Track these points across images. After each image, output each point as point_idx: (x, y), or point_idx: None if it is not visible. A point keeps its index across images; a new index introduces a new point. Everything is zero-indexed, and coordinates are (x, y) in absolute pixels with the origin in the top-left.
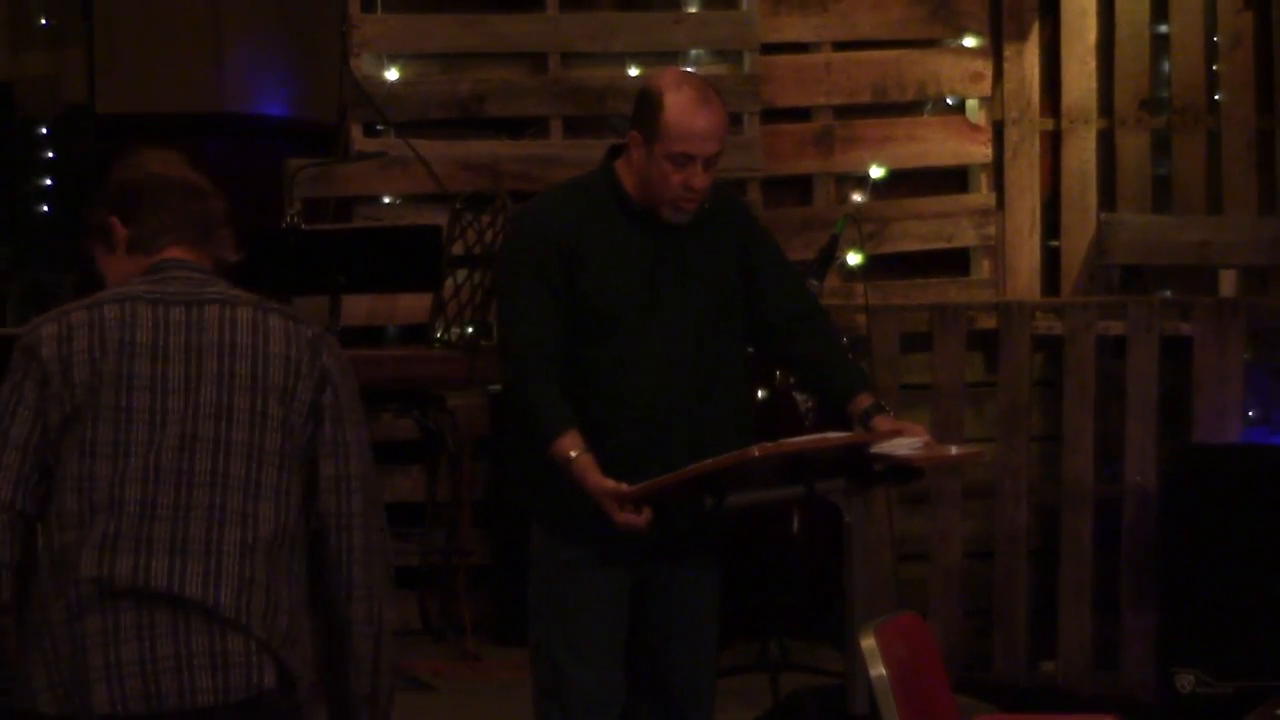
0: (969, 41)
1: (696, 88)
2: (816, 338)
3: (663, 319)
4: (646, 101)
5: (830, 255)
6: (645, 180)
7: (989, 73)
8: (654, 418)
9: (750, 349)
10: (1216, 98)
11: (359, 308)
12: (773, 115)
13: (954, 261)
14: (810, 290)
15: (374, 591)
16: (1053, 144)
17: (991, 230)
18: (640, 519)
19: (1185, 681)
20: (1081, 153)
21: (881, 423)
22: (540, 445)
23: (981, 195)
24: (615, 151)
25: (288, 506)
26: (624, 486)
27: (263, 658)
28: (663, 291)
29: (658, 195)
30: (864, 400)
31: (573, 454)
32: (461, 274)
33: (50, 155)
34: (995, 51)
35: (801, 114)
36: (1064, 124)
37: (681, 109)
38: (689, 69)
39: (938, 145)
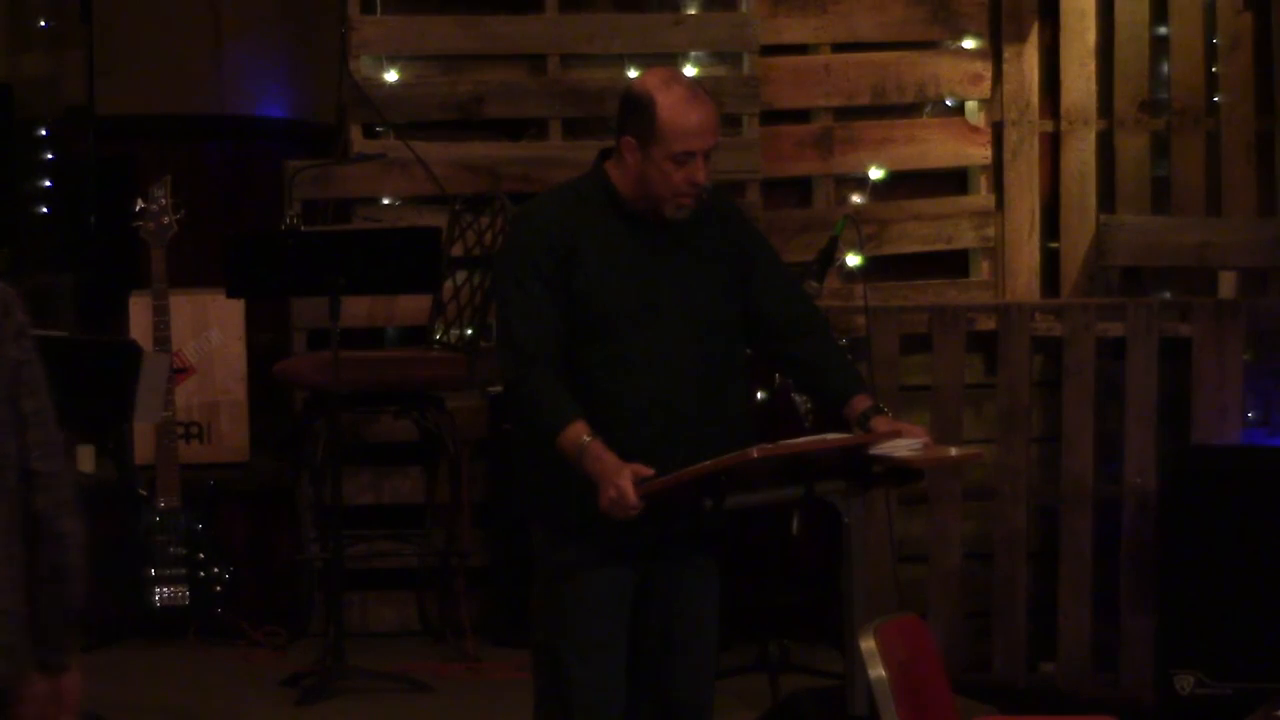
0: (968, 43)
1: (684, 84)
2: (815, 341)
3: (660, 319)
4: (637, 106)
5: (830, 257)
6: (644, 182)
7: (988, 74)
8: (653, 418)
9: (748, 349)
10: (1216, 99)
11: (358, 309)
12: (772, 117)
13: (953, 263)
14: (807, 293)
15: (74, 507)
16: (1052, 145)
17: (991, 232)
18: (637, 507)
19: (1185, 683)
20: (1081, 154)
21: (880, 424)
22: (547, 438)
23: (981, 197)
24: (605, 153)
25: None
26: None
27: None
28: (660, 292)
29: (659, 195)
30: (862, 402)
31: (585, 439)
32: (461, 275)
33: (50, 156)
34: (995, 53)
35: (801, 116)
36: (1063, 125)
37: (675, 108)
38: (670, 66)
39: (937, 147)
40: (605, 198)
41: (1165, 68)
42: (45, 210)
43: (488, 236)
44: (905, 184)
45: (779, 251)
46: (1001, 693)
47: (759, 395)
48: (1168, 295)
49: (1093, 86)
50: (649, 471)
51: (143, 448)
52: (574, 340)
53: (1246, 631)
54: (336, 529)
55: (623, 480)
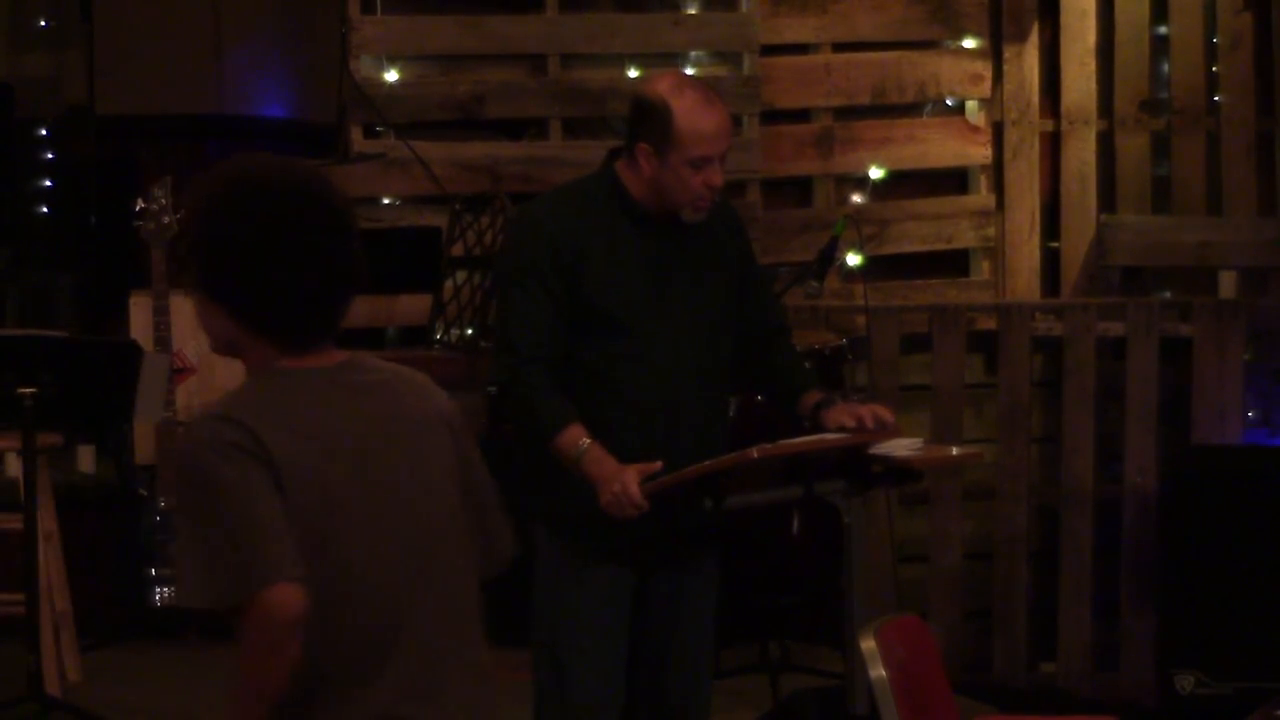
0: (968, 43)
1: (698, 89)
2: (785, 351)
3: (667, 321)
4: (651, 112)
5: (830, 256)
6: (660, 188)
7: (989, 74)
8: (659, 416)
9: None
10: (1216, 99)
11: (358, 309)
12: (772, 117)
13: (954, 263)
14: (782, 303)
15: None
16: (1052, 145)
17: (991, 231)
18: (644, 504)
19: (1185, 683)
20: (1081, 154)
21: (830, 415)
22: (543, 440)
23: (981, 196)
24: (614, 153)
25: None
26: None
27: None
28: (667, 294)
29: (676, 199)
30: (812, 396)
31: (584, 442)
32: (461, 275)
33: (50, 156)
34: (995, 53)
35: (801, 115)
36: (1064, 125)
37: (691, 114)
38: (678, 69)
39: (937, 146)
40: (615, 199)
41: (1165, 68)
42: (45, 210)
43: (488, 236)
44: (905, 184)
45: (779, 252)
46: (1001, 692)
47: (759, 397)
48: (1168, 295)
49: (1093, 86)
50: (656, 467)
51: (143, 448)
52: (580, 340)
53: (1246, 631)
54: None
55: (627, 477)
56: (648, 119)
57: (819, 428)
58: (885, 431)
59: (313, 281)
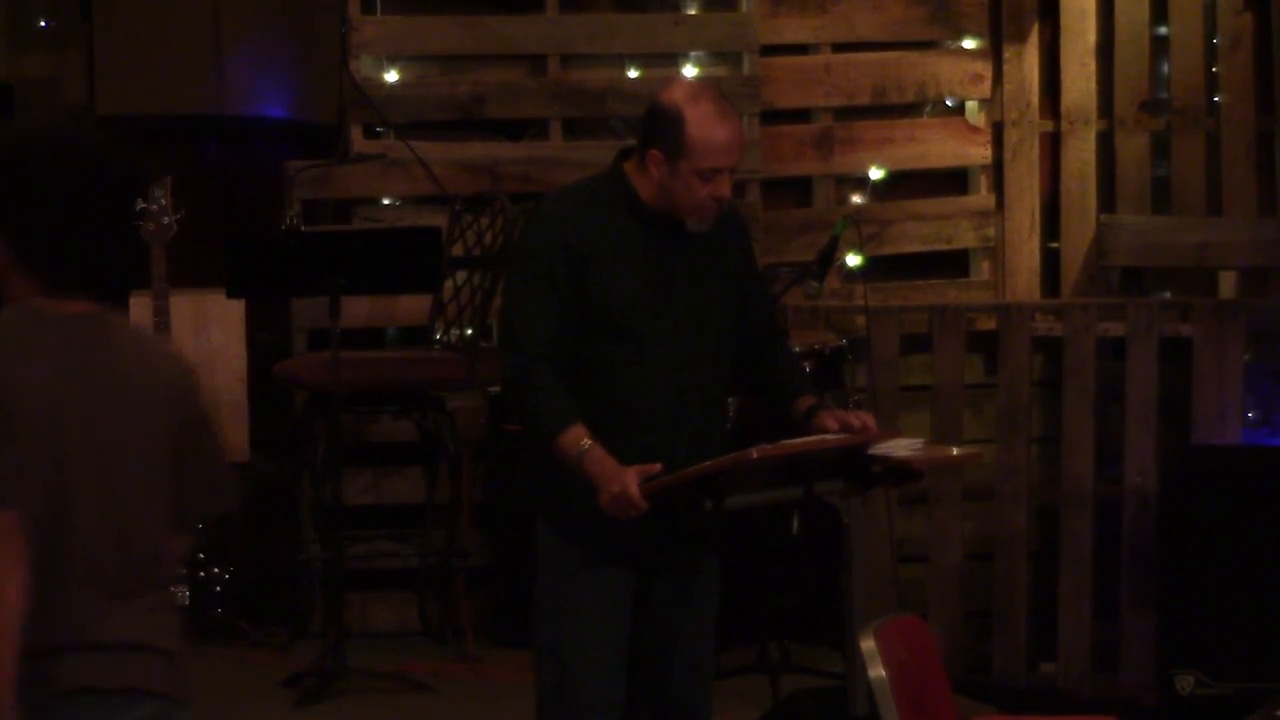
0: (968, 43)
1: (713, 99)
2: (783, 356)
3: (673, 322)
4: (665, 119)
5: (830, 257)
6: (668, 195)
7: (989, 74)
8: (663, 419)
9: None
10: (1216, 99)
11: (358, 309)
12: (772, 117)
13: (953, 263)
14: (781, 307)
15: None
16: (1052, 145)
17: (991, 232)
18: (643, 505)
19: (1185, 683)
20: (1081, 154)
21: (825, 419)
22: (544, 439)
23: (981, 197)
24: (624, 154)
25: None
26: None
27: None
28: (673, 295)
29: (682, 208)
30: (806, 400)
31: (586, 442)
32: (461, 275)
33: None
34: (995, 53)
35: (801, 116)
36: (1064, 125)
37: (705, 125)
38: (691, 76)
39: (937, 147)
40: (623, 199)
41: (1165, 68)
42: None
43: (488, 236)
44: (905, 184)
45: (779, 252)
46: (1001, 693)
47: (755, 398)
48: (1168, 295)
49: (1093, 86)
50: (656, 469)
51: None
52: (586, 339)
53: (1246, 631)
54: (337, 529)
55: (627, 477)
56: (661, 126)
57: (812, 432)
58: (884, 431)
59: (86, 233)
